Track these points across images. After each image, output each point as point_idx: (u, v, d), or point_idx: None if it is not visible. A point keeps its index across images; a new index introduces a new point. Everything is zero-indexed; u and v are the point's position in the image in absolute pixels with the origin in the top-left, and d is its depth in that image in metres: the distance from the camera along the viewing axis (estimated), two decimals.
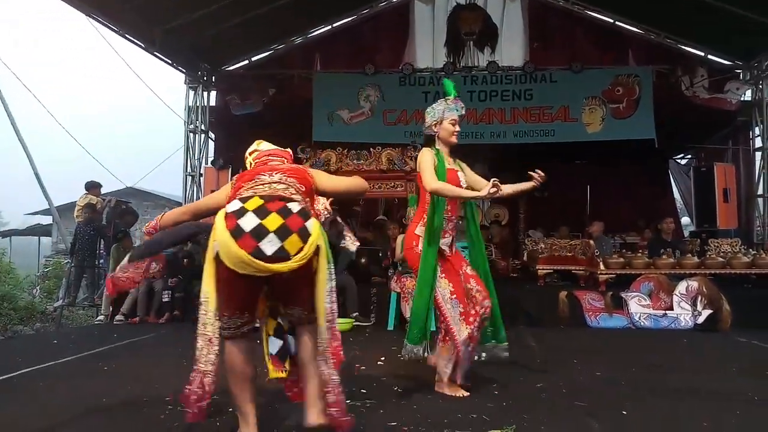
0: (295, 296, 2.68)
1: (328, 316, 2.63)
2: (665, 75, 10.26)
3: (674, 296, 6.60)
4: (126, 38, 8.58)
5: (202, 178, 10.49)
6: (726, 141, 11.24)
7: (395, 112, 10.28)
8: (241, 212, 2.52)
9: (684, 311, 6.54)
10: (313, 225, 2.58)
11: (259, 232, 2.46)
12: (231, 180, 3.11)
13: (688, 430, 2.94)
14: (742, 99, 10.36)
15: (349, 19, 11.20)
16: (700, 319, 6.47)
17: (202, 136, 10.80)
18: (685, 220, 13.94)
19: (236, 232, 2.45)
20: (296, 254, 2.48)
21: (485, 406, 3.33)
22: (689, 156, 12.91)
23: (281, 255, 2.46)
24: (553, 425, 2.99)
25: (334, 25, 11.22)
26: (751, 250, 7.67)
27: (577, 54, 10.42)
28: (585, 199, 11.64)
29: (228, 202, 2.67)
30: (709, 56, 10.63)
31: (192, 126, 10.67)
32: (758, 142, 10.51)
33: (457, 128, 3.84)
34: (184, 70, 10.34)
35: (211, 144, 11.26)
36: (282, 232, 2.48)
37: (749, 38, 9.60)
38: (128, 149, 48.20)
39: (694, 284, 6.60)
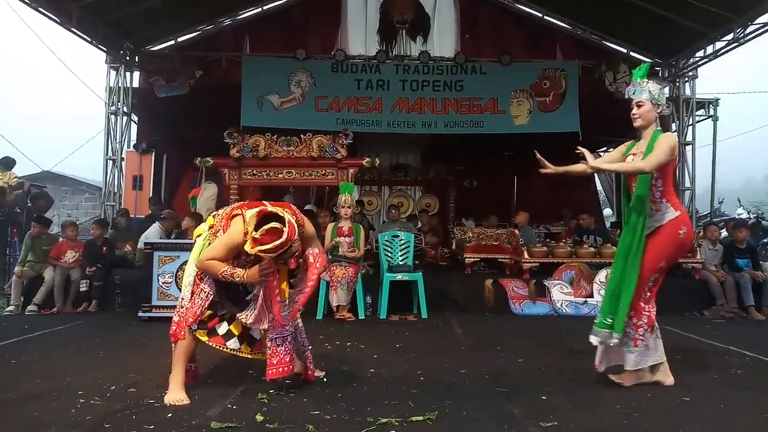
0: None
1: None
2: (590, 70, 10.60)
3: (594, 284, 6.84)
4: (40, 12, 8.05)
5: (123, 163, 10.04)
6: None
7: (327, 99, 10.16)
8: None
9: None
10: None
11: None
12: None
13: (602, 413, 3.04)
14: (666, 93, 10.82)
15: (281, 2, 10.96)
16: None
17: (124, 118, 10.31)
18: (607, 211, 14.49)
19: None
20: None
21: (409, 393, 3.34)
22: (611, 149, 13.39)
23: None
24: (474, 410, 3.03)
25: (265, 7, 10.95)
26: None
27: (506, 47, 10.60)
28: (512, 190, 11.94)
29: None
30: (632, 53, 11.04)
31: (113, 108, 10.17)
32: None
33: (634, 111, 3.67)
34: (104, 49, 9.83)
35: (134, 127, 10.79)
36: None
37: (668, 38, 10.05)
38: (44, 131, 45.56)
39: None
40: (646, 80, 3.70)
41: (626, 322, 3.51)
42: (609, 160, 3.97)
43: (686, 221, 3.56)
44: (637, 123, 3.67)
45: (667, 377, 3.58)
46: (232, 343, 3.46)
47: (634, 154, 3.65)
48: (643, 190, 3.51)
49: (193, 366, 3.55)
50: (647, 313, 3.54)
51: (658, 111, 3.64)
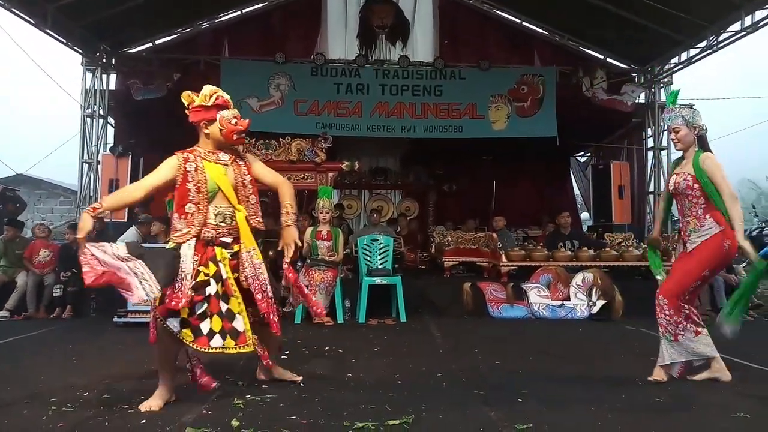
0: None
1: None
2: (567, 75, 10.73)
3: (571, 287, 6.91)
4: (13, 12, 7.92)
5: (99, 166, 9.92)
6: (622, 140, 11.91)
7: (306, 103, 10.15)
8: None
9: (580, 301, 6.86)
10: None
11: None
12: None
13: (577, 415, 3.06)
14: (636, 101, 10.99)
15: (260, 5, 10.94)
16: (595, 309, 6.81)
17: (101, 121, 10.21)
18: (584, 215, 14.65)
19: None
20: None
21: (386, 396, 3.34)
22: (588, 154, 13.58)
23: None
24: (450, 414, 3.04)
25: (244, 10, 10.93)
26: (642, 243, 8.14)
27: (485, 52, 10.70)
28: (491, 194, 12.01)
29: None
30: (608, 59, 11.20)
31: (89, 110, 10.07)
32: (650, 143, 11.23)
33: (672, 136, 3.90)
34: (80, 51, 9.72)
35: (110, 130, 10.67)
36: None
37: (644, 45, 10.22)
38: (18, 134, 44.84)
39: (589, 276, 6.94)
40: (679, 105, 3.90)
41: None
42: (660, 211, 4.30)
43: (730, 235, 3.66)
44: (678, 147, 3.88)
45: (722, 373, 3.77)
46: (216, 341, 3.15)
47: (677, 174, 3.84)
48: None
49: (198, 370, 3.35)
50: (686, 312, 3.73)
51: (696, 133, 3.81)
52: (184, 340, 3.10)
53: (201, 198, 3.24)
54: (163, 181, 3.28)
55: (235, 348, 3.19)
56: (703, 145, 3.81)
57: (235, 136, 3.36)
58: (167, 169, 3.27)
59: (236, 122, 3.36)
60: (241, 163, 3.43)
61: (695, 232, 3.70)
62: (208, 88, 3.37)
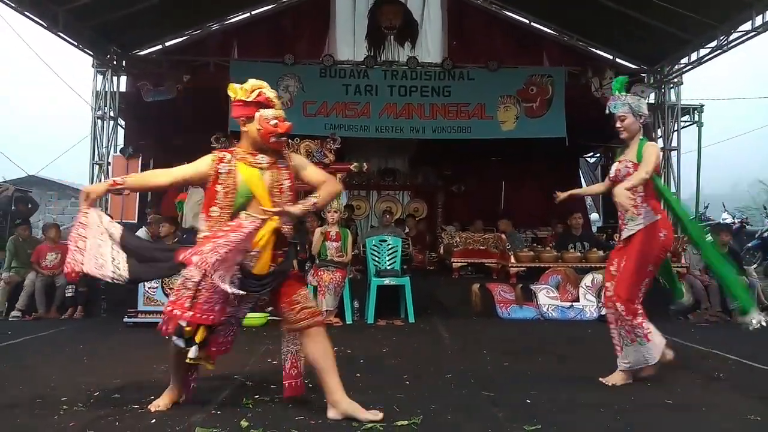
0: None
1: None
2: (576, 76, 10.68)
3: (580, 288, 6.90)
4: (25, 16, 8.00)
5: (110, 167, 9.99)
6: None
7: (315, 104, 10.17)
8: None
9: (589, 303, 6.85)
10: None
11: None
12: None
13: (586, 417, 3.06)
14: (646, 101, 10.91)
15: (269, 7, 10.97)
16: (604, 311, 6.77)
17: (111, 123, 10.28)
18: (593, 216, 14.60)
19: None
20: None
21: (395, 397, 3.35)
22: (597, 155, 13.52)
23: None
24: (459, 414, 3.04)
25: (253, 12, 10.96)
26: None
27: (493, 53, 10.66)
28: (500, 195, 11.99)
29: None
30: (618, 60, 11.14)
31: (100, 112, 10.13)
32: (660, 143, 11.16)
33: (618, 124, 3.86)
34: (91, 53, 9.79)
35: (121, 131, 10.75)
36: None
37: (653, 45, 10.15)
38: (30, 135, 45.17)
39: (599, 277, 6.91)
40: (624, 93, 3.89)
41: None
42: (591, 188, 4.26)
43: (666, 225, 3.69)
44: (623, 135, 3.84)
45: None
46: (192, 353, 2.94)
47: (620, 161, 3.83)
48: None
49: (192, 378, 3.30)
50: (642, 313, 3.69)
51: (641, 121, 3.81)
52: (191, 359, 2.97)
53: (227, 203, 2.96)
54: (191, 174, 3.11)
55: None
56: (647, 133, 3.82)
57: (272, 139, 3.01)
58: (200, 164, 3.07)
59: (276, 123, 3.01)
60: (282, 166, 3.08)
61: (632, 220, 3.69)
62: (250, 83, 3.06)
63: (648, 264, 3.68)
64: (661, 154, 3.77)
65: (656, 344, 3.68)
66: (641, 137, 3.77)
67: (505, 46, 11.02)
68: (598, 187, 4.08)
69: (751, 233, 12.89)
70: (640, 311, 3.66)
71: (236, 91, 3.06)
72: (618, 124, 3.81)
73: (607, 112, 3.93)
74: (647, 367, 3.72)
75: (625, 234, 3.73)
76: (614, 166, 3.84)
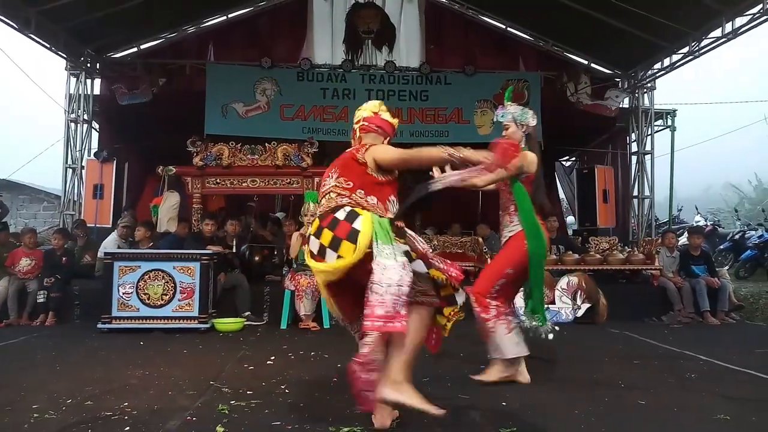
0: None
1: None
2: (552, 81, 10.81)
3: (556, 291, 6.96)
4: None
5: (83, 171, 9.85)
6: (606, 145, 12.00)
7: (293, 107, 10.14)
8: (309, 239, 3.01)
9: (565, 305, 6.91)
10: (361, 222, 2.82)
11: (320, 251, 2.89)
12: None
13: (561, 418, 3.09)
14: (620, 106, 11.10)
15: (246, 10, 10.92)
16: (580, 313, 6.86)
17: (85, 126, 10.15)
18: (569, 219, 14.75)
19: (311, 255, 2.97)
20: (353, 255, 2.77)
21: None
22: (573, 159, 13.68)
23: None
24: (436, 418, 3.04)
25: (230, 15, 10.90)
26: (626, 247, 8.21)
27: (470, 57, 10.75)
28: (477, 199, 12.03)
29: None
30: (592, 65, 11.30)
31: (73, 115, 10.01)
32: (634, 147, 11.34)
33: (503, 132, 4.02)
34: (64, 56, 9.65)
35: (95, 134, 10.60)
36: (334, 244, 2.84)
37: (627, 50, 10.32)
38: (1, 138, 44.24)
39: (574, 280, 7.00)
40: (510, 103, 4.06)
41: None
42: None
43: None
44: None
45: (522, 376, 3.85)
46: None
47: None
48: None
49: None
50: (495, 308, 3.83)
51: (524, 131, 3.97)
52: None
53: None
54: None
55: None
56: (530, 143, 3.93)
57: None
58: None
59: None
60: None
61: (506, 227, 3.95)
62: None
63: (507, 266, 3.85)
64: (536, 164, 3.89)
65: (506, 343, 3.81)
66: (523, 147, 3.92)
67: (481, 51, 11.10)
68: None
69: (723, 235, 13.14)
70: (492, 306, 3.81)
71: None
72: (503, 132, 4.00)
73: (494, 120, 4.11)
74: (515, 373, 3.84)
75: (502, 241, 4.00)
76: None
